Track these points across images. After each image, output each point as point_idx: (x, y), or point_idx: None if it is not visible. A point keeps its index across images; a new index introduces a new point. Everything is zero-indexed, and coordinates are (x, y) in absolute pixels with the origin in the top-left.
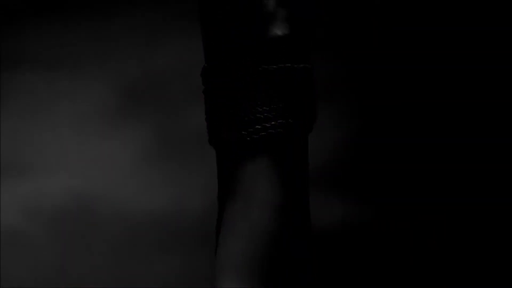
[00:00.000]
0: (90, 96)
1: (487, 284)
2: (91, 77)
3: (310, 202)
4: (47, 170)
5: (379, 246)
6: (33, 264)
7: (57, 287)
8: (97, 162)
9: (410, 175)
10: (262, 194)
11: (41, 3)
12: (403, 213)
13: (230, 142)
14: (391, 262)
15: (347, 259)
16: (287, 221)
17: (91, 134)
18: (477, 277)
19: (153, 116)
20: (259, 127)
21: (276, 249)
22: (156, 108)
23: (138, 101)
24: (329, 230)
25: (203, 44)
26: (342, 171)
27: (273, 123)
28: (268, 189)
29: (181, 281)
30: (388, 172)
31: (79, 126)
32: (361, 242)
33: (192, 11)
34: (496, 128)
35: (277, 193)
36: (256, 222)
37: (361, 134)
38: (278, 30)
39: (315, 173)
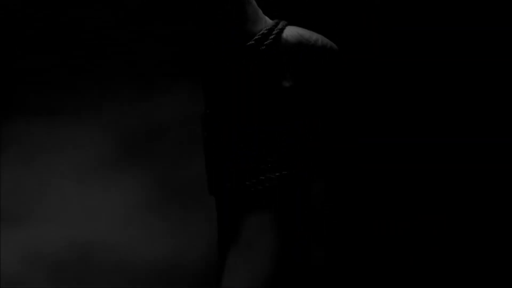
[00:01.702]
0: (90, 144)
1: (487, 284)
2: (91, 125)
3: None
4: (47, 219)
5: (379, 246)
6: None
7: None
8: (97, 211)
9: (410, 175)
10: (266, 245)
11: (42, 51)
12: (403, 213)
13: (233, 192)
14: (391, 262)
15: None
16: (288, 269)
17: (91, 182)
18: (477, 277)
19: (152, 165)
20: (263, 178)
21: None
22: (156, 157)
23: (138, 150)
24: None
25: (203, 93)
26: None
27: (277, 174)
28: (271, 240)
29: None
30: (388, 172)
31: (79, 174)
32: (360, 243)
33: (192, 62)
34: (496, 128)
35: (279, 243)
36: (259, 271)
37: (360, 136)
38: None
39: None
